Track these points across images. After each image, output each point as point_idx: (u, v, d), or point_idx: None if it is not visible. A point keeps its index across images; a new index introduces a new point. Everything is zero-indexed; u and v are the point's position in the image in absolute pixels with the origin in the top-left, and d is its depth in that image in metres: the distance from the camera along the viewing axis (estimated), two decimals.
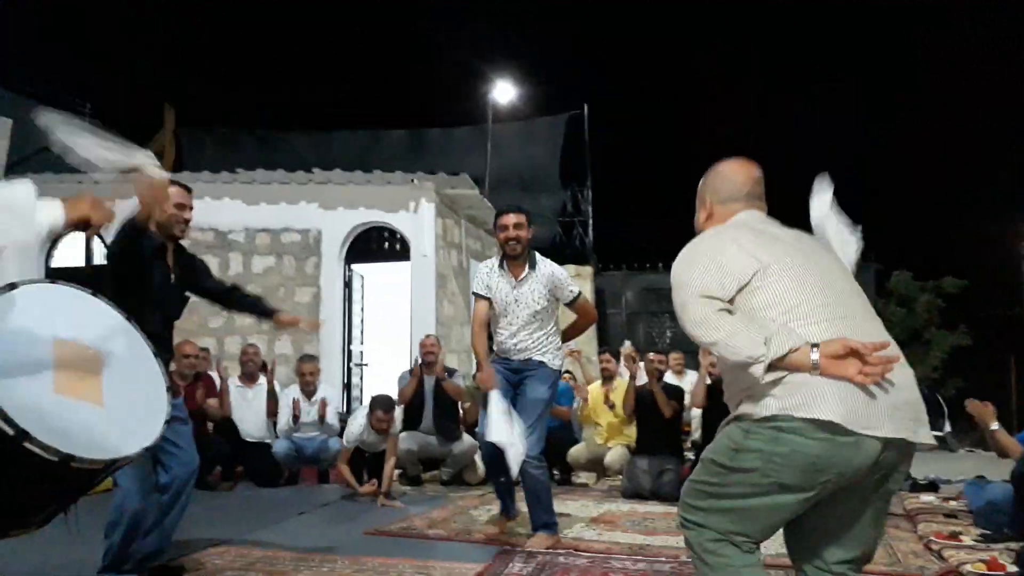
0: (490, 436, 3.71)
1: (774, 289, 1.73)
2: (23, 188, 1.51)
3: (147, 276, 3.14)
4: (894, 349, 1.68)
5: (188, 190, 3.34)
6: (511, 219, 4.02)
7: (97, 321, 1.93)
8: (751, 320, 1.70)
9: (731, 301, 1.74)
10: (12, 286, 1.71)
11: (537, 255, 4.13)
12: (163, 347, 3.24)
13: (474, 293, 4.22)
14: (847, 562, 1.83)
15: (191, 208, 3.33)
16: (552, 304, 4.12)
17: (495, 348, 4.22)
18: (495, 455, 3.97)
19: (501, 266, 4.11)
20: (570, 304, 4.16)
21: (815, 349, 1.62)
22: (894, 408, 1.65)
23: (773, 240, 1.85)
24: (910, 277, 12.79)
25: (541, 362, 4.06)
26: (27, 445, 1.49)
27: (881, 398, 1.63)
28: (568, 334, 4.40)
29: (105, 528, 3.09)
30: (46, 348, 1.69)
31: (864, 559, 1.87)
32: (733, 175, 2.02)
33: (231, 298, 3.74)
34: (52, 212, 1.55)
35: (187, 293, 3.44)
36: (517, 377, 4.09)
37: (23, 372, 1.59)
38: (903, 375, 1.71)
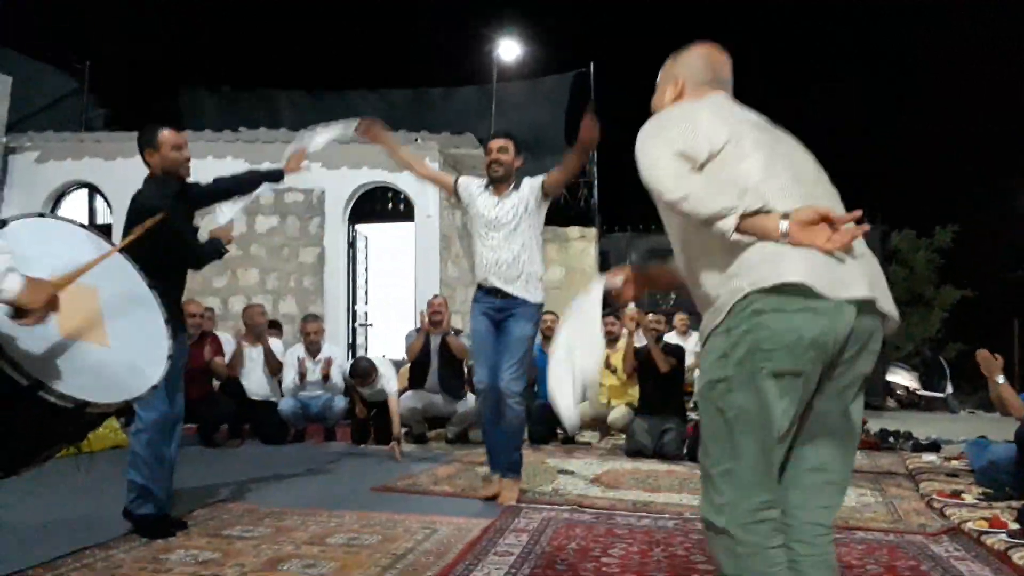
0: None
1: (745, 161, 1.68)
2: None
3: (178, 222, 3.28)
4: (858, 226, 1.64)
5: (178, 130, 3.42)
6: (496, 143, 4.17)
7: (89, 254, 1.90)
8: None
9: (701, 168, 1.69)
10: (3, 223, 1.69)
11: (525, 179, 4.20)
12: (181, 285, 3.45)
13: (455, 179, 4.37)
14: (825, 507, 1.75)
15: (186, 145, 3.44)
16: (534, 217, 4.10)
17: (477, 280, 4.19)
18: (494, 410, 4.09)
19: (487, 187, 4.21)
20: (545, 185, 4.07)
21: (784, 218, 1.59)
22: (861, 272, 1.63)
23: (745, 117, 1.83)
24: (913, 235, 12.68)
25: (524, 300, 4.06)
26: (42, 394, 1.49)
27: (848, 262, 1.61)
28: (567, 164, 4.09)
29: (131, 460, 3.26)
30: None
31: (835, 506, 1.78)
32: (709, 58, 1.98)
33: (226, 187, 3.79)
34: (9, 288, 1.46)
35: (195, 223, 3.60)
36: (500, 315, 4.10)
37: None
38: (865, 249, 1.69)
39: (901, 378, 10.76)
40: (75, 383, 1.56)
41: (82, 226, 2.02)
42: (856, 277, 1.61)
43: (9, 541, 3.14)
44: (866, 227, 1.63)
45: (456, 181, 4.33)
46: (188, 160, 3.42)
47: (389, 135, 4.32)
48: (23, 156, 9.28)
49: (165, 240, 2.96)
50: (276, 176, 3.95)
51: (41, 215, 1.91)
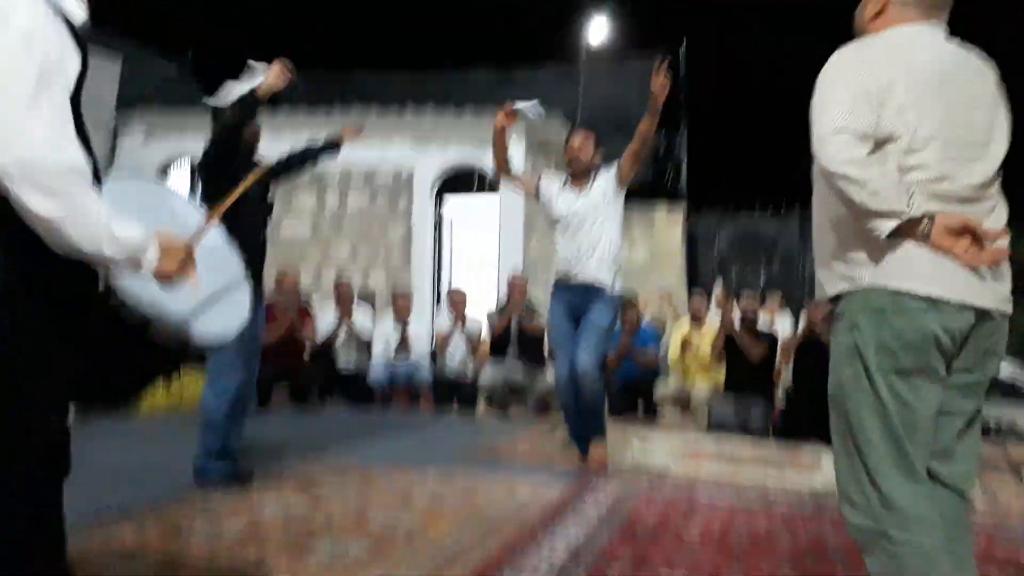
0: None
1: (919, 154, 1.63)
2: (136, 233, 1.46)
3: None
4: (1006, 241, 1.63)
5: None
6: (576, 139, 4.26)
7: (177, 211, 1.99)
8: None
9: (876, 145, 1.64)
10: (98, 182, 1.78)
11: (602, 169, 4.26)
12: (260, 256, 3.50)
13: (538, 175, 4.48)
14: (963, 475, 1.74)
15: (258, 121, 3.56)
16: (613, 207, 4.14)
17: (557, 276, 4.24)
18: (568, 386, 4.12)
19: (565, 184, 4.28)
20: (619, 173, 4.13)
21: (930, 219, 1.58)
22: (988, 283, 1.62)
23: (940, 88, 1.66)
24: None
25: (605, 290, 4.08)
26: (148, 333, 1.59)
27: (979, 271, 1.60)
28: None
29: (208, 421, 3.40)
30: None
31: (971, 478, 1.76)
32: None
33: (295, 161, 3.88)
34: (146, 258, 1.50)
35: (270, 199, 3.68)
36: (581, 303, 4.11)
37: None
38: (1004, 264, 1.67)
39: (1003, 368, 10.21)
40: (175, 322, 1.66)
41: (162, 184, 2.12)
42: (981, 287, 1.61)
43: (114, 484, 3.36)
44: (1007, 251, 1.63)
45: (538, 184, 4.36)
46: (258, 131, 3.57)
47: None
48: (130, 136, 9.80)
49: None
50: (332, 146, 3.93)
51: (132, 179, 1.99)
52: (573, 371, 4.00)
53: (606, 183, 4.16)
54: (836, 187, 1.62)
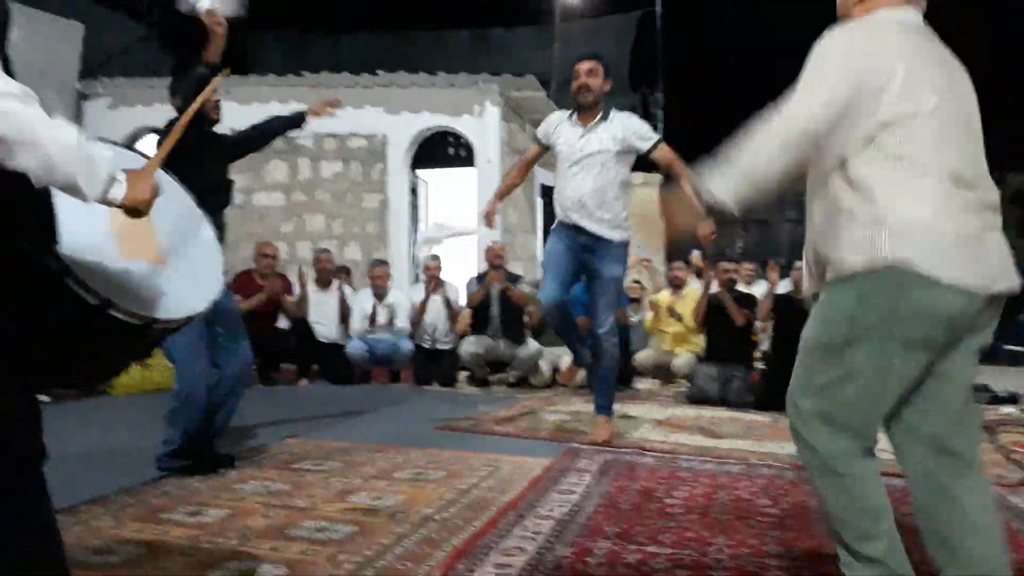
0: None
1: (912, 139, 1.62)
2: (108, 153, 1.42)
3: (199, 163, 3.25)
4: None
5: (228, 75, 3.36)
6: (584, 66, 3.88)
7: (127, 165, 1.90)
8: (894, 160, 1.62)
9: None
10: None
11: (614, 110, 3.96)
12: (221, 236, 3.39)
13: (533, 138, 4.21)
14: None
15: (218, 90, 3.35)
16: (623, 158, 3.88)
17: (557, 211, 4.01)
18: (556, 312, 4.00)
19: (570, 117, 3.96)
20: (650, 152, 3.87)
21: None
22: (1002, 262, 1.65)
23: (932, 74, 1.66)
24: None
25: (609, 240, 3.87)
26: (112, 312, 1.51)
27: (989, 249, 1.62)
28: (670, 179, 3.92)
29: (168, 415, 3.27)
30: (102, 212, 1.67)
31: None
32: None
33: (259, 134, 3.73)
34: (116, 190, 1.45)
35: (231, 177, 3.55)
36: (585, 253, 3.91)
37: (89, 241, 1.58)
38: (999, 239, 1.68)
39: None
40: (139, 300, 1.59)
41: (119, 144, 2.01)
42: (998, 270, 1.62)
43: (89, 468, 3.30)
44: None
45: (536, 138, 4.10)
46: (218, 103, 3.38)
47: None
48: (96, 102, 9.53)
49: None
50: (299, 121, 3.77)
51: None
52: (594, 334, 3.94)
53: (624, 132, 3.84)
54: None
